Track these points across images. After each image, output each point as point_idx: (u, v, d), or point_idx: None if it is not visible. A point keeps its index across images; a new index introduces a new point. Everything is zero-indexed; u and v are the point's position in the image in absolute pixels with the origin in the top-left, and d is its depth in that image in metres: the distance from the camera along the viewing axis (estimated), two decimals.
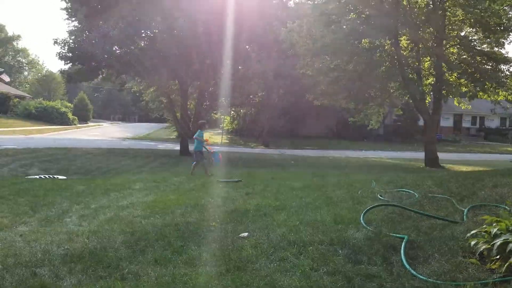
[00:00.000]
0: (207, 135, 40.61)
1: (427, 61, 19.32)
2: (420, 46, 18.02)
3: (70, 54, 19.47)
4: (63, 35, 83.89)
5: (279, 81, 29.66)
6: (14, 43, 72.99)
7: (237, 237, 4.57)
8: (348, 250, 4.08)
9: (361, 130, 34.45)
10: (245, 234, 4.69)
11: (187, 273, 3.49)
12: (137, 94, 33.30)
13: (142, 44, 20.14)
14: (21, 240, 4.52)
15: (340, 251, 4.06)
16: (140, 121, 73.44)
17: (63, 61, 19.78)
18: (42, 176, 11.57)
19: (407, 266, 3.65)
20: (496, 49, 18.02)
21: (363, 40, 18.30)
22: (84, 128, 45.22)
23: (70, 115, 48.26)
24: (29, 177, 11.13)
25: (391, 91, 19.99)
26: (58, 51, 19.59)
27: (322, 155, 24.25)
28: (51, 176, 11.68)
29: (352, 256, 3.93)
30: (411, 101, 19.51)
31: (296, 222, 5.14)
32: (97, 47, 18.18)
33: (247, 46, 21.24)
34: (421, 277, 3.44)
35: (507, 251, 3.45)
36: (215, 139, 37.58)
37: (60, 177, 11.55)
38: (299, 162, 18.85)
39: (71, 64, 20.38)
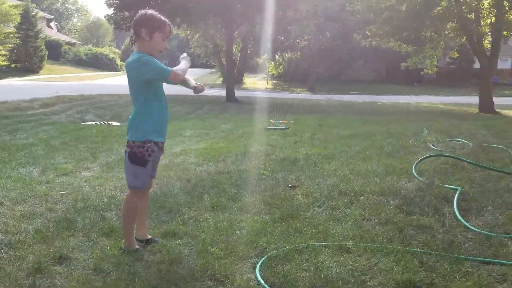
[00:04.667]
0: (251, 80, 40.47)
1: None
2: None
3: (117, 1, 19.60)
4: None
5: (328, 23, 28.68)
6: None
7: (288, 186, 4.70)
8: (400, 201, 4.11)
9: (412, 74, 33.11)
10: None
11: (243, 219, 3.67)
12: (184, 40, 33.38)
13: None
14: (87, 185, 4.85)
15: (391, 201, 4.10)
16: None
17: (111, 8, 19.95)
18: (97, 122, 12.11)
19: (460, 218, 3.65)
20: None
21: None
22: None
23: (118, 61, 49.31)
24: (85, 123, 11.67)
25: (447, 32, 18.87)
26: None
27: (371, 101, 23.70)
28: (106, 122, 12.19)
29: (403, 206, 3.96)
30: (467, 43, 18.41)
31: (347, 172, 5.19)
32: None
33: None
34: (474, 229, 3.45)
35: None
36: (259, 84, 37.43)
37: (114, 123, 12.05)
38: (346, 109, 18.56)
39: (118, 11, 20.52)
